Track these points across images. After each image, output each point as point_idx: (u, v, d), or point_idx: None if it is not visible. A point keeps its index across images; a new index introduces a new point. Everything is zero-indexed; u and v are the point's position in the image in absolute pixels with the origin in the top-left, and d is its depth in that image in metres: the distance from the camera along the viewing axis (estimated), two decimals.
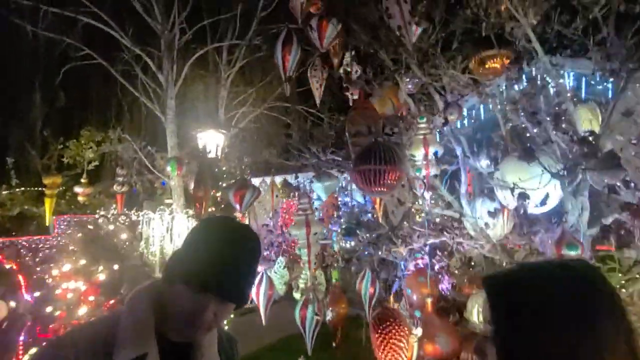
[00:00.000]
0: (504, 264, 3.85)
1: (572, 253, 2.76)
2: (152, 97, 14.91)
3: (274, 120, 14.87)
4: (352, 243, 3.74)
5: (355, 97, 4.59)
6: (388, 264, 4.46)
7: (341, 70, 5.04)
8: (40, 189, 14.50)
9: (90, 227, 4.10)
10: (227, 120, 15.07)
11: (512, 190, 2.86)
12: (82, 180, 14.08)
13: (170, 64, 14.29)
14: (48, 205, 10.63)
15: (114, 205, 14.84)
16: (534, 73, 4.22)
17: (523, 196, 2.81)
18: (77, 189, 13.90)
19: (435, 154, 3.51)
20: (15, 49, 13.70)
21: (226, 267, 1.18)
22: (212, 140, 4.70)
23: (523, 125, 3.82)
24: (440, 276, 4.00)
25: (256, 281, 3.98)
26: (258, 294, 3.94)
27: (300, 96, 15.16)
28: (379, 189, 2.94)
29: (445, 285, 4.11)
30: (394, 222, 3.44)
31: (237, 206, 3.69)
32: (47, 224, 11.20)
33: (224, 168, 4.50)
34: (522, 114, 3.50)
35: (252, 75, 14.72)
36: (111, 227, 4.07)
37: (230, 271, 1.19)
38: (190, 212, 13.70)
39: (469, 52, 3.03)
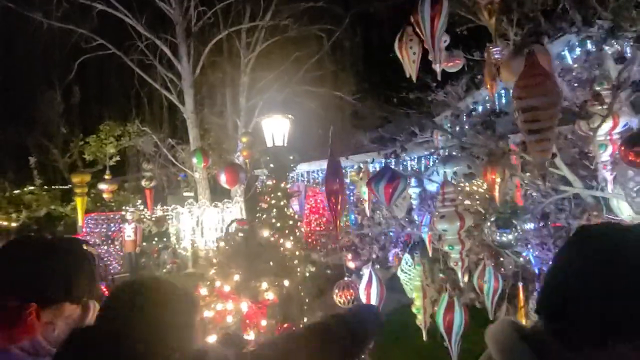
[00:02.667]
0: None
1: None
2: (169, 87, 14.30)
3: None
4: (510, 237, 3.13)
5: (454, 68, 3.92)
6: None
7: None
8: (66, 187, 14.14)
9: (241, 234, 3.60)
10: (249, 108, 14.47)
11: None
12: (106, 177, 13.65)
13: (187, 51, 13.62)
14: (79, 204, 10.17)
15: (140, 201, 14.47)
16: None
17: None
18: (102, 186, 13.48)
19: (625, 126, 2.87)
20: (28, 45, 13.12)
21: None
22: (278, 127, 4.17)
23: None
24: None
25: (364, 281, 3.48)
26: (368, 296, 3.42)
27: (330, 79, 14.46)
28: None
29: None
30: None
31: (385, 201, 3.12)
32: (79, 224, 10.77)
33: (291, 157, 3.98)
34: None
35: (276, 58, 13.94)
36: (265, 232, 3.57)
37: None
38: (219, 204, 13.31)
39: None
